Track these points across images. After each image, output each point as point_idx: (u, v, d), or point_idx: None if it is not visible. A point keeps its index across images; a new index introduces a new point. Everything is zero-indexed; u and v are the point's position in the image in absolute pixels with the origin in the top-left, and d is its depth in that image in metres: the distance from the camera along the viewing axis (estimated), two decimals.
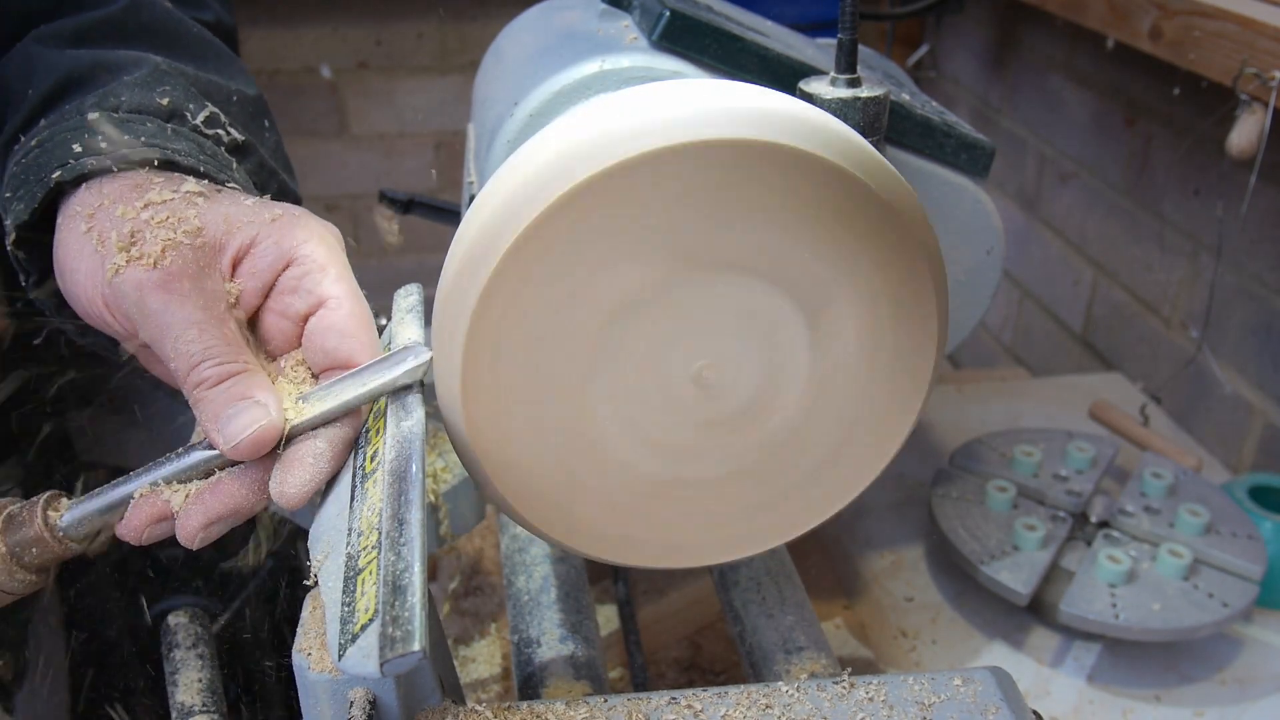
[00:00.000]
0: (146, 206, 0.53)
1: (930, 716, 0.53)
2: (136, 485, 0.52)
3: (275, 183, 0.67)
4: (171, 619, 0.82)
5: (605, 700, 0.54)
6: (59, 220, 0.56)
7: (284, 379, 0.53)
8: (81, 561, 0.56)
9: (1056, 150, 1.57)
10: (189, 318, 0.51)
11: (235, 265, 0.54)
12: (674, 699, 0.54)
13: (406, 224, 1.07)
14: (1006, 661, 0.91)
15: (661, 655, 0.97)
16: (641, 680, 0.85)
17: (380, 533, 0.46)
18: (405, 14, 2.01)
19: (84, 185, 0.55)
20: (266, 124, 0.70)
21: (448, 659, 0.60)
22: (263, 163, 0.66)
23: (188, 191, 0.55)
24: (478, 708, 0.52)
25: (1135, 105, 1.37)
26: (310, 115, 2.06)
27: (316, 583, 0.49)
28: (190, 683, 0.77)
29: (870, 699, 0.54)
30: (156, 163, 0.56)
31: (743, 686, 0.55)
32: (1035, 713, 0.55)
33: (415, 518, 0.46)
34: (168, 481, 0.52)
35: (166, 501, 0.52)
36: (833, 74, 0.66)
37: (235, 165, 0.62)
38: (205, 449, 0.52)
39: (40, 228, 0.57)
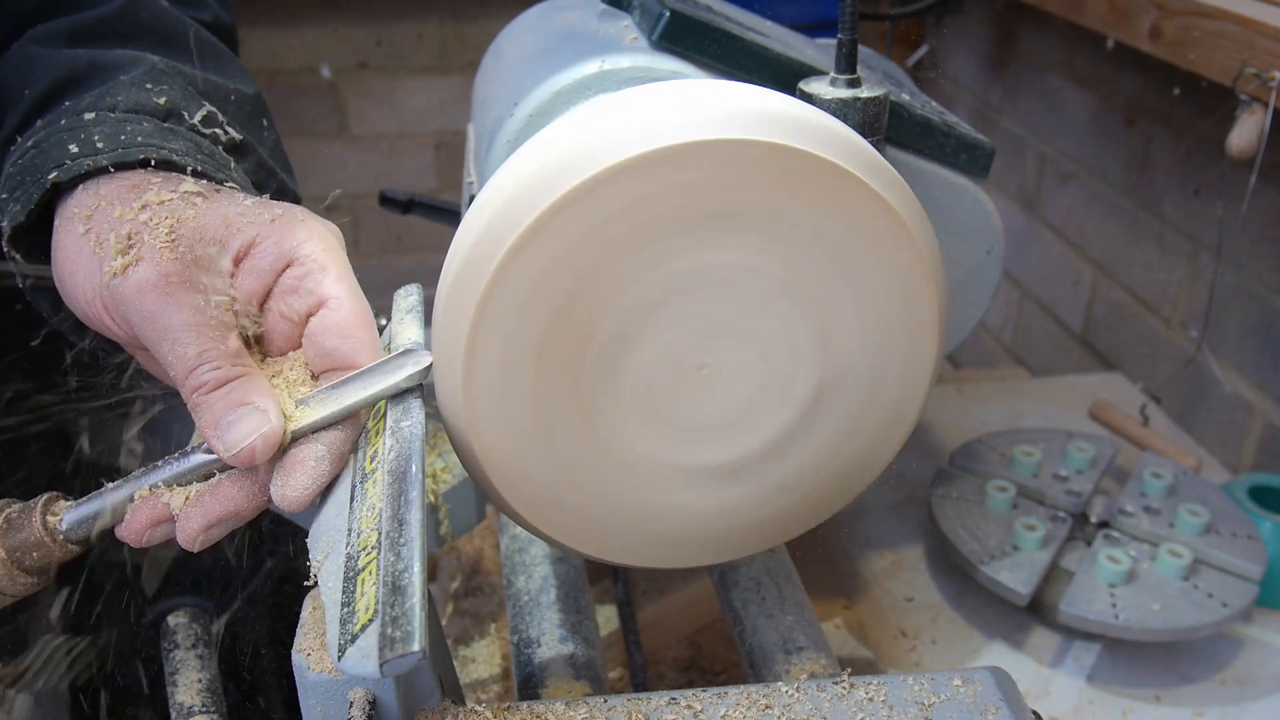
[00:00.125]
0: (144, 208, 0.53)
1: (930, 716, 0.53)
2: (136, 487, 0.52)
3: (274, 182, 0.67)
4: (171, 619, 0.82)
5: (605, 700, 0.54)
6: (56, 222, 0.55)
7: (284, 380, 0.53)
8: (81, 562, 0.55)
9: (1056, 150, 1.57)
10: (187, 321, 0.51)
11: (235, 266, 0.53)
12: (674, 699, 0.54)
13: (406, 224, 1.07)
14: (1006, 661, 0.90)
15: (661, 655, 0.97)
16: (641, 680, 0.86)
17: (380, 533, 0.46)
18: (405, 14, 2.01)
19: (81, 186, 0.55)
20: (265, 123, 0.69)
21: (447, 659, 0.60)
22: (261, 162, 0.66)
23: (186, 191, 0.54)
24: (478, 708, 0.52)
25: (1135, 105, 1.37)
26: (310, 115, 2.06)
27: (316, 583, 0.49)
28: (190, 683, 0.77)
29: (870, 699, 0.54)
30: (154, 163, 0.56)
31: (743, 687, 0.55)
32: (1035, 713, 0.55)
33: (415, 518, 0.46)
34: (167, 484, 0.52)
35: (167, 504, 0.52)
36: (833, 74, 0.66)
37: (233, 164, 0.62)
38: (205, 452, 0.52)
39: (38, 229, 0.57)
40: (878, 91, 0.66)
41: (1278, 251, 1.15)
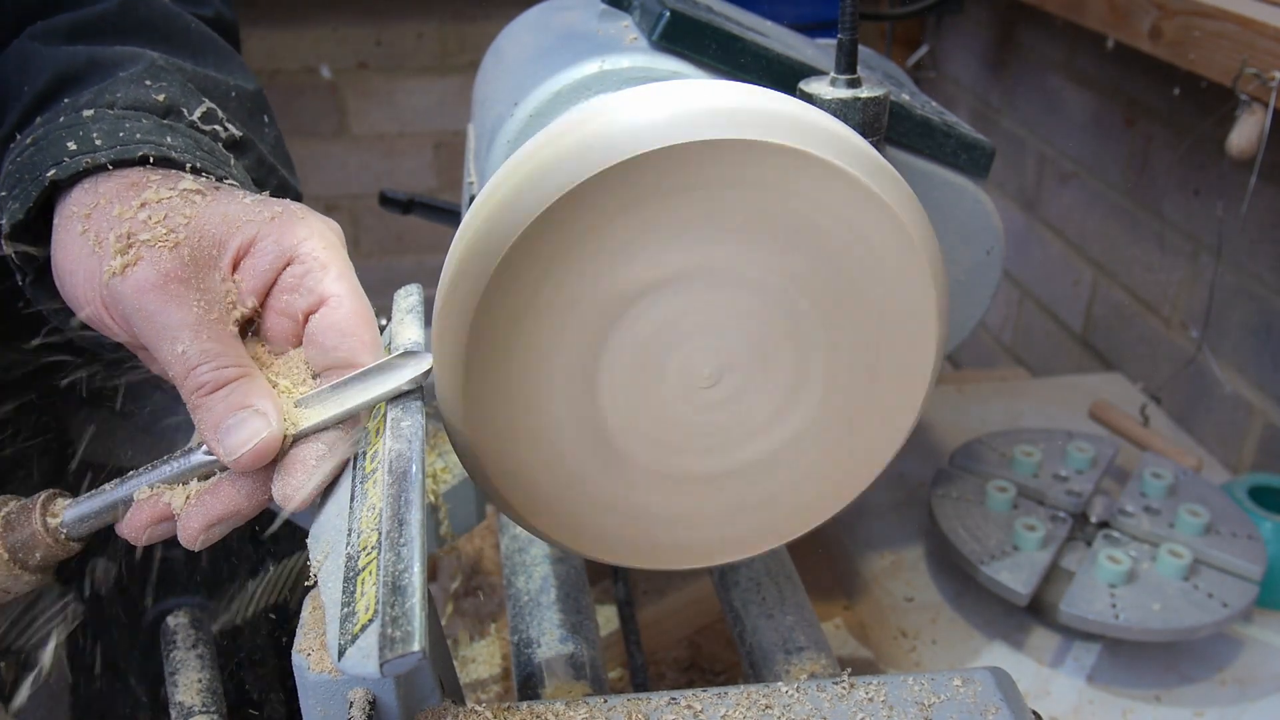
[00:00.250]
0: (143, 206, 0.53)
1: (930, 716, 0.53)
2: (136, 485, 0.52)
3: (275, 179, 0.67)
4: (171, 619, 0.82)
5: (605, 700, 0.54)
6: (56, 220, 0.55)
7: (284, 379, 0.53)
8: (82, 562, 0.55)
9: (1056, 150, 1.57)
10: (186, 320, 0.51)
11: (235, 264, 0.53)
12: (674, 699, 0.54)
13: (406, 224, 1.07)
14: (1006, 661, 0.90)
15: (661, 655, 0.97)
16: (641, 680, 0.85)
17: (380, 533, 0.46)
18: (405, 14, 2.01)
19: (80, 184, 0.55)
20: (266, 119, 0.69)
21: (447, 659, 0.60)
22: (262, 158, 0.66)
23: (185, 189, 0.54)
24: (478, 708, 0.52)
25: (1135, 105, 1.37)
26: (310, 115, 2.06)
27: (316, 583, 0.49)
28: (190, 683, 0.77)
29: (870, 699, 0.54)
30: (153, 160, 0.56)
31: (743, 687, 0.55)
32: (1035, 713, 0.55)
33: (415, 518, 0.46)
34: (168, 483, 0.52)
35: (167, 503, 0.52)
36: (833, 74, 0.66)
37: (233, 161, 0.62)
38: (206, 452, 0.52)
39: (38, 227, 0.57)
40: (878, 91, 0.66)
41: (1278, 251, 1.15)
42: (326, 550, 0.49)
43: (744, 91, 0.54)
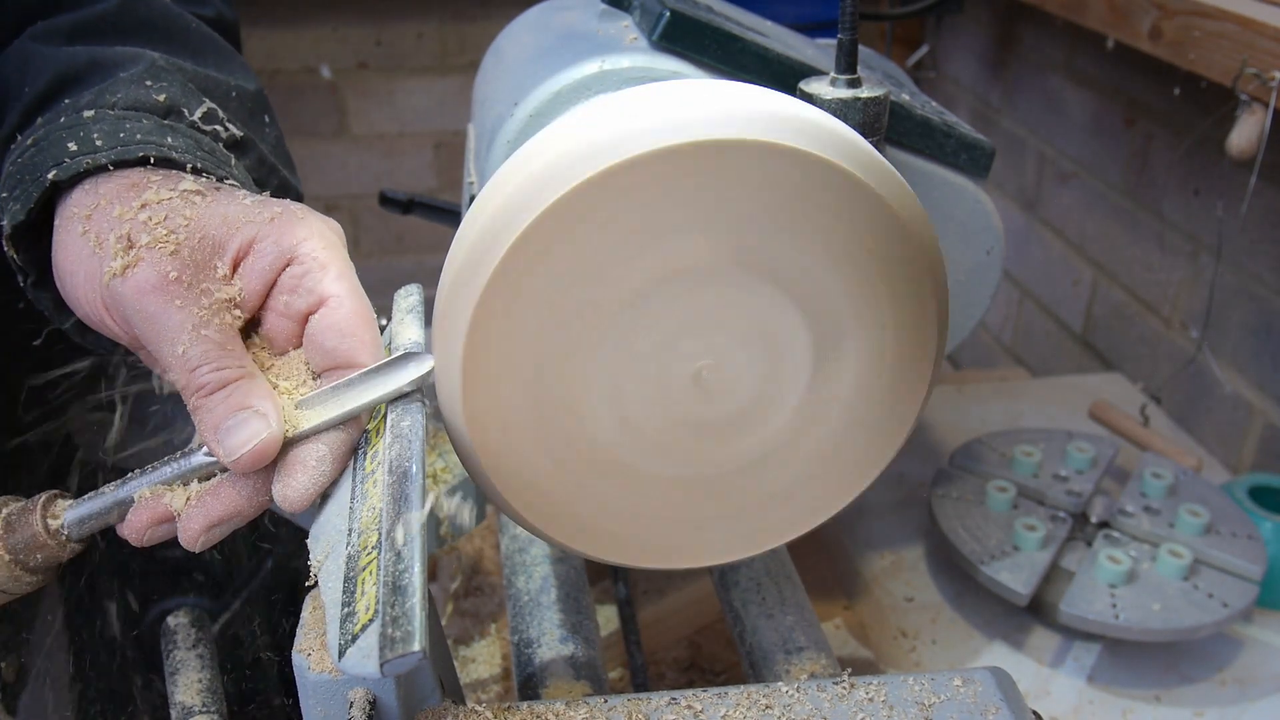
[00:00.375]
0: (144, 207, 0.53)
1: (930, 716, 0.53)
2: (136, 487, 0.52)
3: (276, 178, 0.66)
4: (171, 619, 0.82)
5: (605, 700, 0.54)
6: (56, 221, 0.55)
7: (284, 381, 0.53)
8: (83, 562, 0.55)
9: (1056, 150, 1.57)
10: (186, 321, 0.51)
11: (235, 265, 0.53)
12: (674, 699, 0.54)
13: (406, 224, 1.07)
14: (1006, 661, 0.91)
15: (661, 655, 0.97)
16: (641, 680, 0.86)
17: (380, 533, 0.46)
18: (405, 14, 2.01)
19: (80, 185, 0.55)
20: (267, 119, 0.69)
21: (448, 659, 0.60)
22: (263, 158, 0.65)
23: (185, 190, 0.54)
24: (478, 708, 0.52)
25: (1135, 105, 1.37)
26: (310, 115, 2.06)
27: (316, 583, 0.49)
28: (190, 683, 0.77)
29: (870, 699, 0.54)
30: (153, 160, 0.56)
31: (743, 687, 0.55)
32: (1035, 713, 0.55)
33: (415, 518, 0.46)
34: (168, 484, 0.52)
35: (168, 504, 0.52)
36: (833, 74, 0.66)
37: (234, 161, 0.62)
38: (206, 454, 0.52)
39: (38, 228, 0.57)
40: (878, 91, 0.66)
41: (1278, 251, 1.15)
42: (327, 550, 0.49)
43: (744, 92, 0.54)
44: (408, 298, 0.59)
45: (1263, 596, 0.90)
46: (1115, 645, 0.91)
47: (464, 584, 1.04)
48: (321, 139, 2.09)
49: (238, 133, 0.63)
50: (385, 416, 0.52)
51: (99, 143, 0.55)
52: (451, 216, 1.01)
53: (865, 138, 0.57)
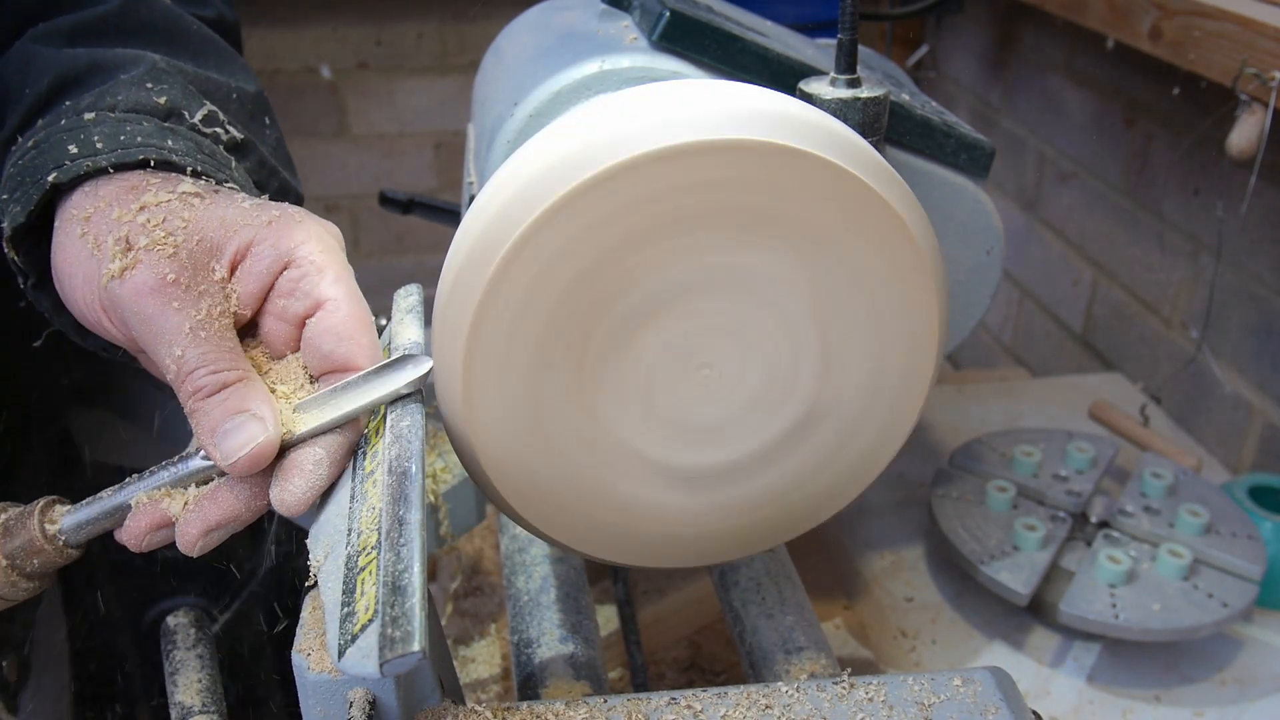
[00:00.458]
0: (142, 209, 0.53)
1: (930, 716, 0.53)
2: (134, 492, 0.52)
3: (276, 180, 0.66)
4: (171, 619, 0.82)
5: (605, 700, 0.54)
6: (56, 223, 0.55)
7: (281, 385, 0.53)
8: (83, 562, 0.55)
9: (1056, 150, 1.57)
10: (184, 324, 0.51)
11: (232, 268, 0.53)
12: (674, 699, 0.54)
13: (406, 224, 1.07)
14: (1006, 661, 0.91)
15: (661, 655, 0.97)
16: (641, 680, 0.85)
17: (380, 533, 0.46)
18: (405, 14, 2.01)
19: (80, 187, 0.55)
20: (267, 121, 0.69)
21: (447, 659, 0.60)
22: (263, 160, 0.65)
23: (184, 192, 0.54)
24: (477, 708, 0.52)
25: (1135, 105, 1.37)
26: (310, 115, 2.06)
27: (316, 583, 0.49)
28: (190, 683, 0.77)
29: (870, 699, 0.54)
30: (153, 163, 0.55)
31: (743, 687, 0.55)
32: (1035, 713, 0.55)
33: (415, 518, 0.46)
34: (166, 488, 0.52)
35: (165, 509, 0.51)
36: (833, 74, 0.66)
37: (234, 164, 0.62)
38: (203, 458, 0.52)
39: (38, 230, 0.56)
40: (878, 91, 0.66)
41: (1278, 251, 1.15)
42: (326, 550, 0.49)
43: (744, 91, 0.54)
44: (408, 298, 0.59)
45: (1263, 596, 0.90)
46: (1115, 645, 0.91)
47: (464, 584, 1.04)
48: (321, 139, 2.09)
49: (238, 135, 0.63)
50: (385, 417, 0.52)
51: (99, 145, 0.55)
52: (451, 216, 1.01)
53: (865, 138, 0.57)
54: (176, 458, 0.53)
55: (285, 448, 0.51)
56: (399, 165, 2.13)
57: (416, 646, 0.41)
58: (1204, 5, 1.06)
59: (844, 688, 0.55)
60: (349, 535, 0.48)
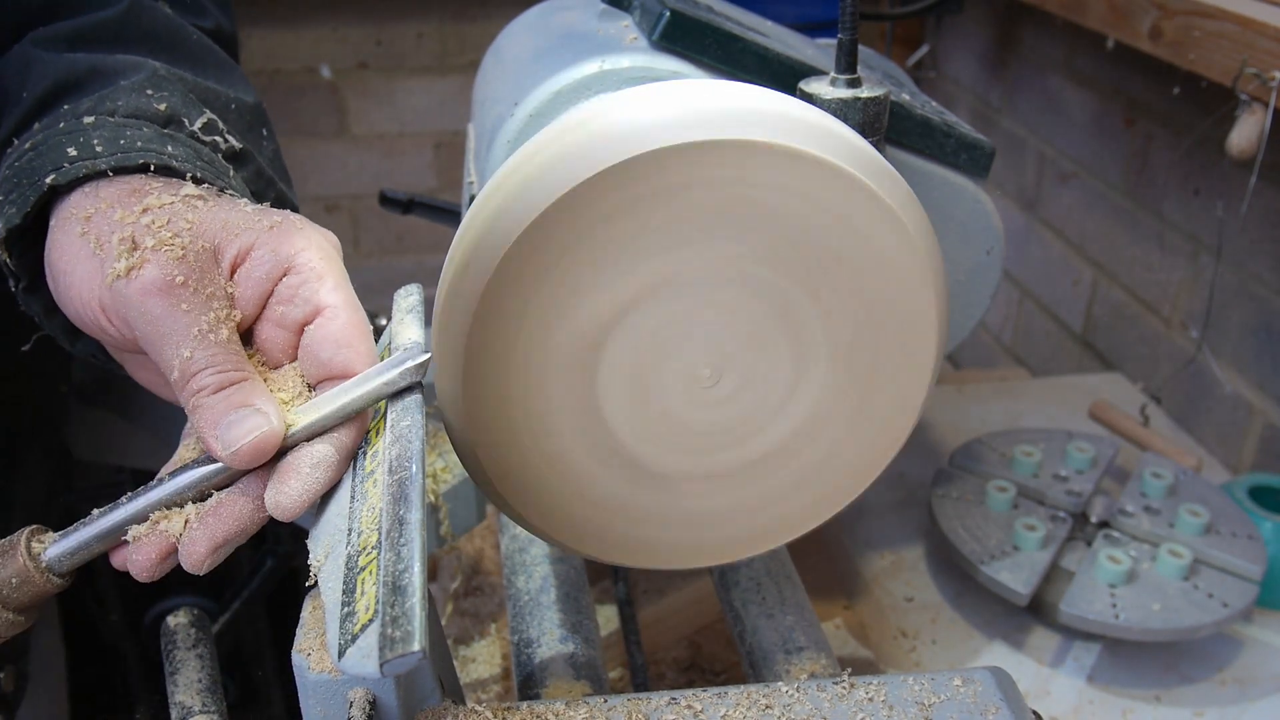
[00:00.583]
0: (145, 211, 0.52)
1: (930, 716, 0.53)
2: (125, 513, 0.51)
3: (273, 192, 0.66)
4: (171, 619, 0.82)
5: (605, 700, 0.54)
6: (52, 223, 0.55)
7: (280, 393, 0.53)
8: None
9: (1056, 150, 1.57)
10: (190, 325, 0.50)
11: (232, 271, 0.53)
12: (674, 699, 0.54)
13: (406, 224, 1.07)
14: (1006, 661, 0.90)
15: (661, 655, 0.96)
16: (641, 680, 0.85)
17: (380, 533, 0.46)
18: (405, 14, 2.02)
19: (79, 189, 0.54)
20: (265, 133, 0.69)
21: (448, 659, 0.60)
22: (260, 171, 0.65)
23: (187, 195, 0.54)
24: (478, 708, 0.52)
25: (1135, 105, 1.37)
26: (310, 115, 2.06)
27: (316, 583, 0.49)
28: (190, 683, 0.77)
29: (870, 699, 0.54)
30: (153, 168, 0.55)
31: (743, 687, 0.55)
32: (1035, 713, 0.55)
33: (415, 518, 0.46)
34: (162, 509, 0.51)
35: (166, 533, 0.50)
36: (833, 74, 0.66)
37: (233, 173, 0.62)
38: (196, 468, 0.51)
39: (32, 234, 0.56)
40: (878, 91, 0.66)
41: (1278, 251, 1.15)
42: (326, 550, 0.49)
43: (744, 91, 0.54)
44: (408, 298, 0.59)
45: (1263, 596, 0.90)
46: (1115, 645, 0.91)
47: (464, 584, 1.04)
48: (321, 139, 2.09)
49: (237, 144, 0.63)
50: (385, 416, 0.52)
51: (99, 149, 0.55)
52: (451, 216, 1.01)
53: (865, 138, 0.57)
54: (165, 471, 0.52)
55: (285, 448, 0.51)
56: (399, 165, 2.13)
57: (417, 646, 0.41)
58: (1204, 5, 1.06)
59: (844, 688, 0.55)
60: (349, 535, 0.48)
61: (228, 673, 0.82)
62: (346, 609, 0.45)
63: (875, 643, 0.98)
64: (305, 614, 0.52)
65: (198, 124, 0.60)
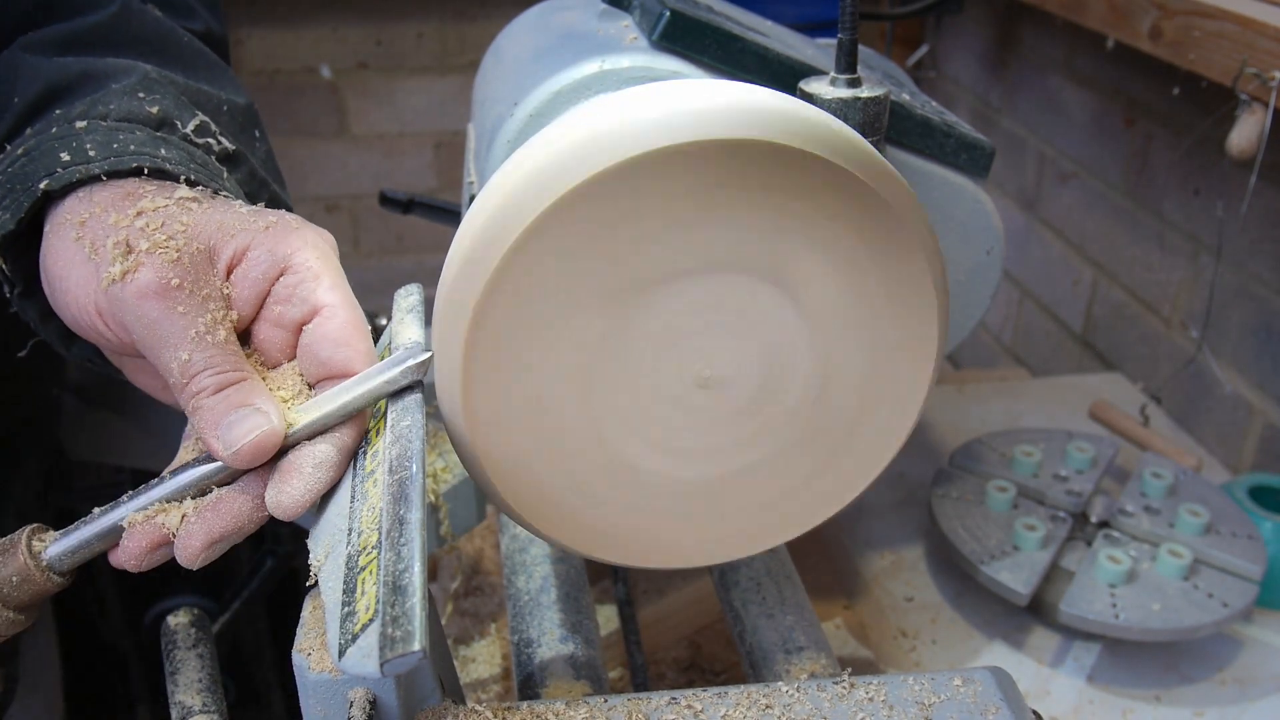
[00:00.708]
0: (140, 214, 0.52)
1: (930, 716, 0.53)
2: (125, 511, 0.51)
3: (266, 193, 0.66)
4: (171, 619, 0.82)
5: (605, 700, 0.54)
6: (46, 229, 0.55)
7: (279, 392, 0.53)
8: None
9: (1056, 150, 1.57)
10: (188, 327, 0.50)
11: (229, 272, 0.53)
12: (674, 699, 0.54)
13: (406, 224, 1.07)
14: (1006, 661, 0.90)
15: (661, 655, 0.96)
16: (641, 680, 0.85)
17: (380, 533, 0.46)
18: (405, 14, 2.02)
19: (73, 194, 0.54)
20: (257, 134, 0.69)
21: (448, 659, 0.60)
22: (253, 172, 0.65)
23: (181, 198, 0.54)
24: (478, 708, 0.52)
25: (1135, 105, 1.37)
26: (310, 115, 2.06)
27: (316, 583, 0.49)
28: (190, 683, 0.77)
29: (870, 699, 0.54)
30: (147, 171, 0.55)
31: (743, 686, 0.55)
32: (1035, 713, 0.55)
33: (415, 518, 0.46)
34: (161, 503, 0.51)
35: (161, 525, 0.50)
36: (833, 74, 0.66)
37: (226, 175, 0.62)
38: (196, 466, 0.51)
39: (25, 239, 0.56)
40: (878, 91, 0.66)
41: (1278, 251, 1.15)
42: (327, 550, 0.49)
43: (744, 91, 0.54)
44: (408, 298, 0.59)
45: (1263, 596, 0.90)
46: (1115, 645, 0.91)
47: (464, 584, 1.04)
48: (321, 139, 2.09)
49: (229, 146, 0.63)
50: (385, 416, 0.52)
51: (92, 153, 0.55)
52: (451, 216, 1.01)
53: (865, 138, 0.57)
54: (167, 472, 0.52)
55: (286, 447, 0.51)
56: (399, 165, 2.13)
57: (417, 646, 0.41)
58: (1204, 5, 1.06)
59: (844, 687, 0.55)
60: (349, 535, 0.48)
61: (228, 673, 0.82)
62: (347, 609, 0.45)
63: (875, 643, 0.98)
64: (305, 614, 0.52)
65: (190, 126, 0.60)
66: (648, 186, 0.51)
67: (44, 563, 0.51)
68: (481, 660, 0.96)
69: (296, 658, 0.49)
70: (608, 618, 0.95)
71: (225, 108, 0.65)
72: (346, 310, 0.53)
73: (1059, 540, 0.93)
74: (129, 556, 0.51)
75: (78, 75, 0.61)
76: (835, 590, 1.05)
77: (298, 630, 0.51)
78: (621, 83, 0.68)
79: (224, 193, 0.58)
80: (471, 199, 0.66)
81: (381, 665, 0.41)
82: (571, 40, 0.74)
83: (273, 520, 0.51)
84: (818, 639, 0.70)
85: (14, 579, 0.50)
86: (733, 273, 0.55)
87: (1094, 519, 0.97)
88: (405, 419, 0.50)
